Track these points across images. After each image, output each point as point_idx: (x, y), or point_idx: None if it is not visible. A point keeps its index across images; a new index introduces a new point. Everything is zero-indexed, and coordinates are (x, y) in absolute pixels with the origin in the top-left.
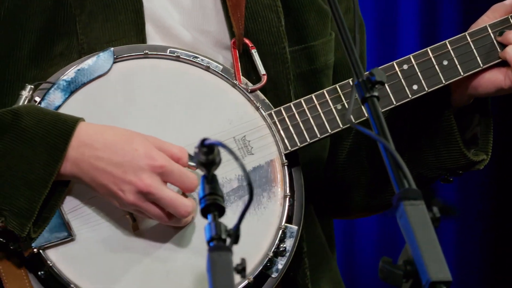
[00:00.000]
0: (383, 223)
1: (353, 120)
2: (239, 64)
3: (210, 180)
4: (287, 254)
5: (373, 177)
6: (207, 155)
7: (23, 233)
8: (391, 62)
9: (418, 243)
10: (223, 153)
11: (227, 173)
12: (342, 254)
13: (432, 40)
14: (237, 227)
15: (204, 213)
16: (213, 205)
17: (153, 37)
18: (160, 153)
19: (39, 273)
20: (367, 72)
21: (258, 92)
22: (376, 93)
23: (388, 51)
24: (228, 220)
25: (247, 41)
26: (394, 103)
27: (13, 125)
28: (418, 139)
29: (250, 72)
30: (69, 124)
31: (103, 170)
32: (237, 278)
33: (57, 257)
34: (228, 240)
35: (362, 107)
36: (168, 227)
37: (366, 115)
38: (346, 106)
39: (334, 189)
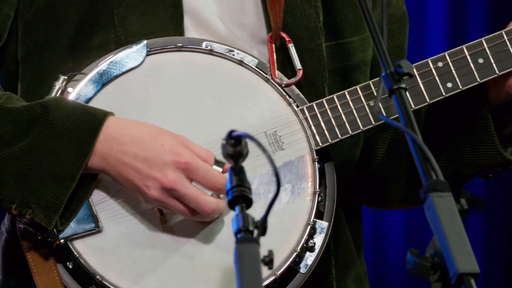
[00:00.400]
0: (411, 214)
1: (381, 111)
2: (275, 58)
3: (238, 172)
4: (317, 250)
5: (412, 170)
6: (235, 146)
7: (50, 225)
8: (426, 60)
9: (446, 235)
10: (255, 148)
11: (257, 168)
12: (370, 246)
13: (460, 40)
14: (264, 218)
15: (232, 205)
16: (240, 197)
17: (191, 30)
18: (186, 150)
19: (68, 263)
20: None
21: (293, 87)
22: (403, 85)
23: (416, 51)
24: (258, 214)
25: (284, 35)
26: (428, 100)
27: (42, 118)
28: (456, 136)
29: (286, 67)
30: (97, 119)
31: (129, 165)
32: (264, 272)
33: (84, 248)
34: (256, 232)
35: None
36: (195, 222)
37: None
38: (380, 105)
39: (372, 182)
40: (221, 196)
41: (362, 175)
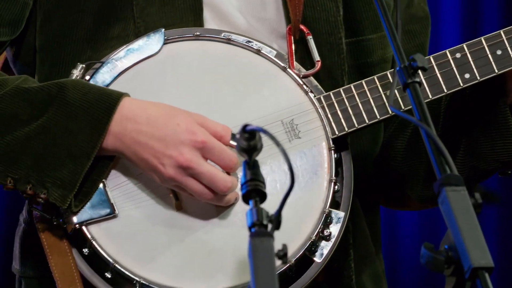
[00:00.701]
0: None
1: (399, 103)
2: (294, 51)
3: (252, 166)
4: (333, 239)
5: (432, 168)
6: (249, 140)
7: (64, 204)
8: (444, 50)
9: (460, 229)
10: (270, 140)
11: (272, 160)
12: (384, 240)
13: (473, 36)
14: (278, 213)
15: (246, 199)
16: (254, 191)
17: (210, 23)
18: (201, 129)
19: (83, 250)
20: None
21: (311, 78)
22: (417, 79)
23: (430, 45)
24: (271, 207)
25: (303, 27)
26: (445, 91)
27: (58, 97)
28: (475, 130)
29: (305, 59)
30: (113, 98)
31: (144, 144)
32: (278, 262)
33: (99, 233)
34: (270, 226)
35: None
36: (211, 208)
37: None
38: (396, 92)
39: (391, 181)
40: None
41: (381, 173)
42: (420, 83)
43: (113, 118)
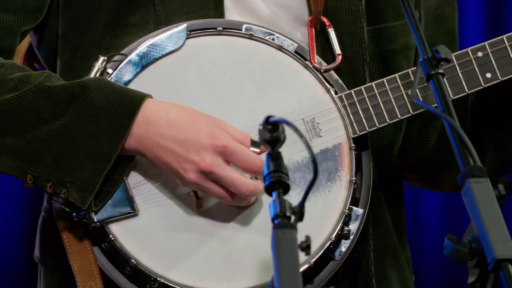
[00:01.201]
0: (448, 200)
1: (418, 97)
2: (315, 43)
3: (275, 158)
4: (351, 237)
5: None
6: (272, 132)
7: (84, 205)
8: (466, 49)
9: (483, 221)
10: (291, 135)
11: (294, 155)
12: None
13: (497, 34)
14: (301, 204)
15: (269, 191)
16: (277, 183)
17: (231, 11)
18: (223, 132)
19: (103, 245)
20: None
21: (332, 72)
22: (441, 70)
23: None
24: (293, 202)
25: (324, 19)
26: (467, 90)
27: (81, 97)
28: (501, 124)
29: (327, 51)
30: (135, 101)
31: (166, 148)
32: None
33: (119, 231)
34: (293, 218)
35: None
36: (231, 206)
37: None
38: (417, 92)
39: (425, 169)
40: (259, 178)
41: (415, 163)
42: (444, 74)
43: (135, 121)
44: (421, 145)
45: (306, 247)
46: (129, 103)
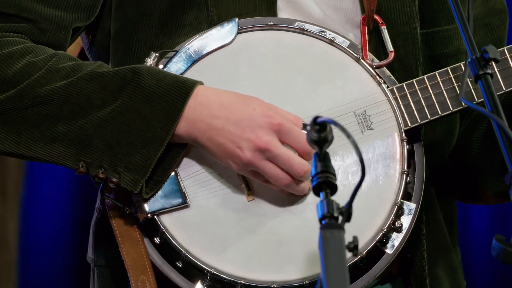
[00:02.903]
0: None
1: (472, 96)
2: (367, 41)
3: (322, 158)
4: (404, 231)
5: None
6: (319, 132)
7: (135, 189)
8: (502, 48)
9: None
10: (340, 133)
11: (340, 152)
12: None
13: None
14: (349, 205)
15: (316, 191)
16: (325, 183)
17: (283, 12)
18: (277, 112)
19: (155, 239)
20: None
21: (384, 69)
22: (489, 70)
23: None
24: (343, 199)
25: (377, 17)
26: (504, 89)
27: (133, 82)
28: None
29: (379, 49)
30: (188, 85)
31: (221, 129)
32: (349, 254)
33: (170, 222)
34: (340, 218)
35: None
36: (282, 198)
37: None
38: (470, 84)
39: (466, 175)
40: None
41: (457, 166)
42: (492, 75)
43: (187, 104)
44: (464, 149)
45: (353, 247)
46: (181, 87)
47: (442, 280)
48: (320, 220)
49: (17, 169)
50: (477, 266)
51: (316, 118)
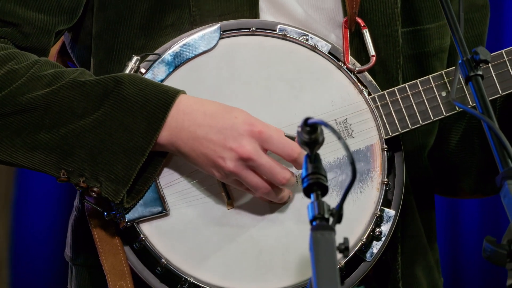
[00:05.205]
0: (487, 202)
1: (466, 98)
2: (349, 43)
3: (313, 160)
4: (383, 238)
5: (484, 162)
6: (310, 134)
7: (116, 199)
8: (500, 51)
9: None
10: (326, 135)
11: (326, 156)
12: (445, 233)
13: None
14: (340, 206)
15: (307, 192)
16: (316, 185)
17: (266, 12)
18: (258, 120)
19: (134, 245)
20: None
21: (366, 73)
22: (480, 72)
23: (492, 41)
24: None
25: (359, 20)
26: (500, 92)
27: (115, 92)
28: None
29: (361, 52)
30: (170, 95)
31: (203, 138)
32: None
33: (150, 231)
34: (331, 220)
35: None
36: (262, 207)
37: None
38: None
39: (443, 171)
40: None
41: (434, 163)
42: (483, 76)
43: (169, 114)
44: (441, 145)
45: (344, 249)
46: (164, 96)
47: (420, 281)
48: (311, 221)
49: (8, 171)
50: (469, 266)
51: (307, 119)
